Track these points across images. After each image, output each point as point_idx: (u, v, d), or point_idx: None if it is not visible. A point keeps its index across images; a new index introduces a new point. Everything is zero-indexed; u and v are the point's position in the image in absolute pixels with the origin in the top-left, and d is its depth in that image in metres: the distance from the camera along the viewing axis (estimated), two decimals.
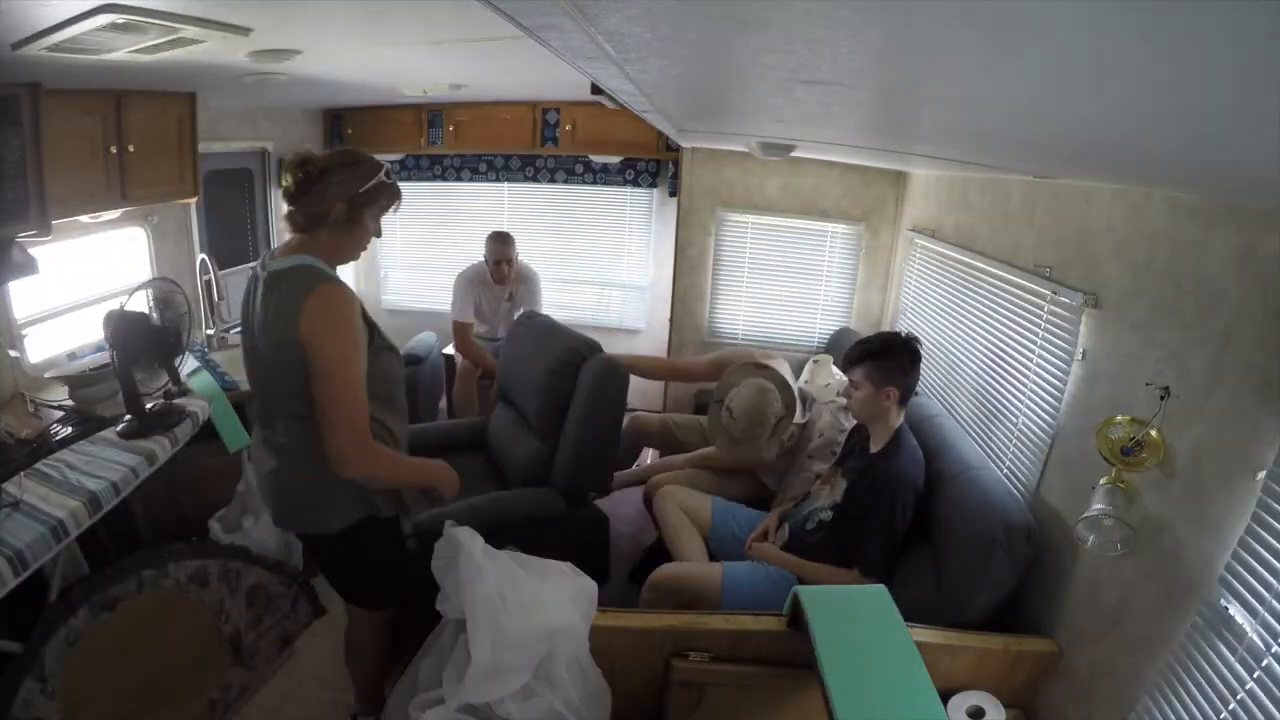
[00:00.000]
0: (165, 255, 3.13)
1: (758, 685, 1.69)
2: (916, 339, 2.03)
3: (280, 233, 2.57)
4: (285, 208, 1.55)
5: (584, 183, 4.28)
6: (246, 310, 1.59)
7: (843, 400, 2.42)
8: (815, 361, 2.97)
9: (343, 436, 1.47)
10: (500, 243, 3.58)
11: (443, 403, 4.30)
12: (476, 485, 2.57)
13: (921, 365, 2.04)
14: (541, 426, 2.42)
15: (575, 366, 2.39)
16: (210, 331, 3.28)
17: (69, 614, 1.76)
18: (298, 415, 1.51)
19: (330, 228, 1.52)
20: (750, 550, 2.15)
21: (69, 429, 2.19)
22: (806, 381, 2.92)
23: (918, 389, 2.12)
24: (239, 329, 1.76)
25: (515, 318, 3.24)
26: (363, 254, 1.62)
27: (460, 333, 3.58)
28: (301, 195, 1.49)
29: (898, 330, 2.08)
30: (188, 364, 2.62)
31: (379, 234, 1.61)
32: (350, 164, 1.52)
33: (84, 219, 2.53)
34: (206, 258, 3.17)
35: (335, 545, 1.63)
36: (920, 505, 1.95)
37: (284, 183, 1.52)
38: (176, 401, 2.31)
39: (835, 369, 2.88)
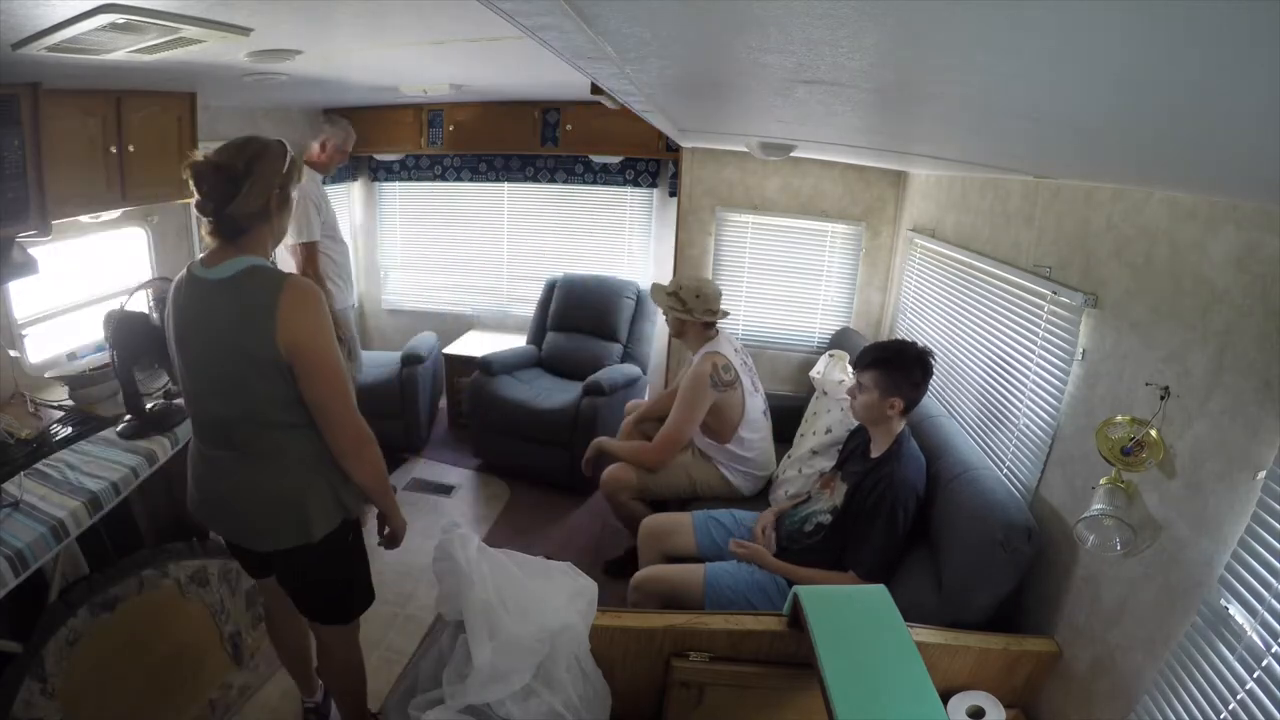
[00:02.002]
0: (165, 255, 3.13)
1: (758, 685, 1.69)
2: (931, 353, 2.02)
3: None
4: (204, 220, 1.43)
5: (584, 183, 4.28)
6: (179, 326, 1.49)
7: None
8: (831, 356, 2.97)
9: (351, 430, 1.49)
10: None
11: (443, 402, 4.30)
12: None
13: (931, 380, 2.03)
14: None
15: None
16: None
17: (69, 614, 1.76)
18: (271, 423, 1.46)
19: (262, 222, 1.46)
20: (741, 553, 2.14)
21: (69, 429, 2.18)
22: (819, 374, 2.92)
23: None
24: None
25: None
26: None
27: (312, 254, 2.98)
28: (230, 198, 1.39)
29: (912, 340, 2.06)
30: None
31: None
32: (262, 149, 1.44)
33: (84, 219, 2.53)
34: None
35: (316, 555, 1.56)
36: (921, 506, 1.95)
37: (199, 193, 1.40)
38: (176, 401, 2.30)
39: (850, 367, 2.89)
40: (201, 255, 1.48)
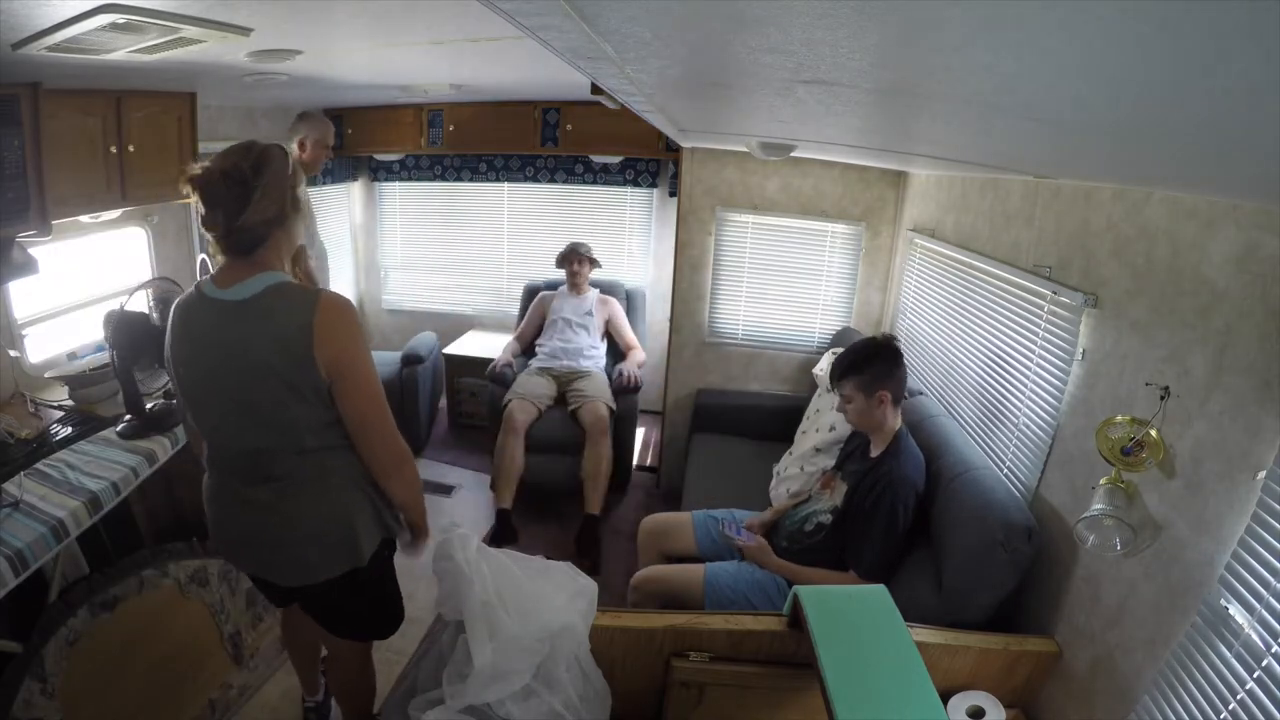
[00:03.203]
0: (165, 255, 3.13)
1: (758, 685, 1.69)
2: (892, 337, 2.05)
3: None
4: (213, 237, 1.32)
5: (584, 183, 4.28)
6: (194, 353, 1.38)
7: None
8: (834, 354, 2.97)
9: (393, 448, 1.44)
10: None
11: (443, 402, 4.30)
12: None
13: (911, 362, 2.06)
14: None
15: None
16: None
17: (69, 614, 1.76)
18: (311, 449, 1.38)
19: (278, 228, 1.36)
20: (745, 555, 2.15)
21: (69, 429, 2.18)
22: (823, 371, 2.93)
23: (914, 387, 2.11)
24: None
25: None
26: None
27: None
28: (243, 208, 1.28)
29: (873, 336, 2.09)
30: None
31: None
32: (265, 151, 1.33)
33: (84, 219, 2.53)
34: (206, 258, 3.16)
35: (364, 577, 1.52)
36: (921, 505, 1.95)
37: (206, 206, 1.29)
38: (176, 401, 2.30)
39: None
40: (210, 274, 1.39)
